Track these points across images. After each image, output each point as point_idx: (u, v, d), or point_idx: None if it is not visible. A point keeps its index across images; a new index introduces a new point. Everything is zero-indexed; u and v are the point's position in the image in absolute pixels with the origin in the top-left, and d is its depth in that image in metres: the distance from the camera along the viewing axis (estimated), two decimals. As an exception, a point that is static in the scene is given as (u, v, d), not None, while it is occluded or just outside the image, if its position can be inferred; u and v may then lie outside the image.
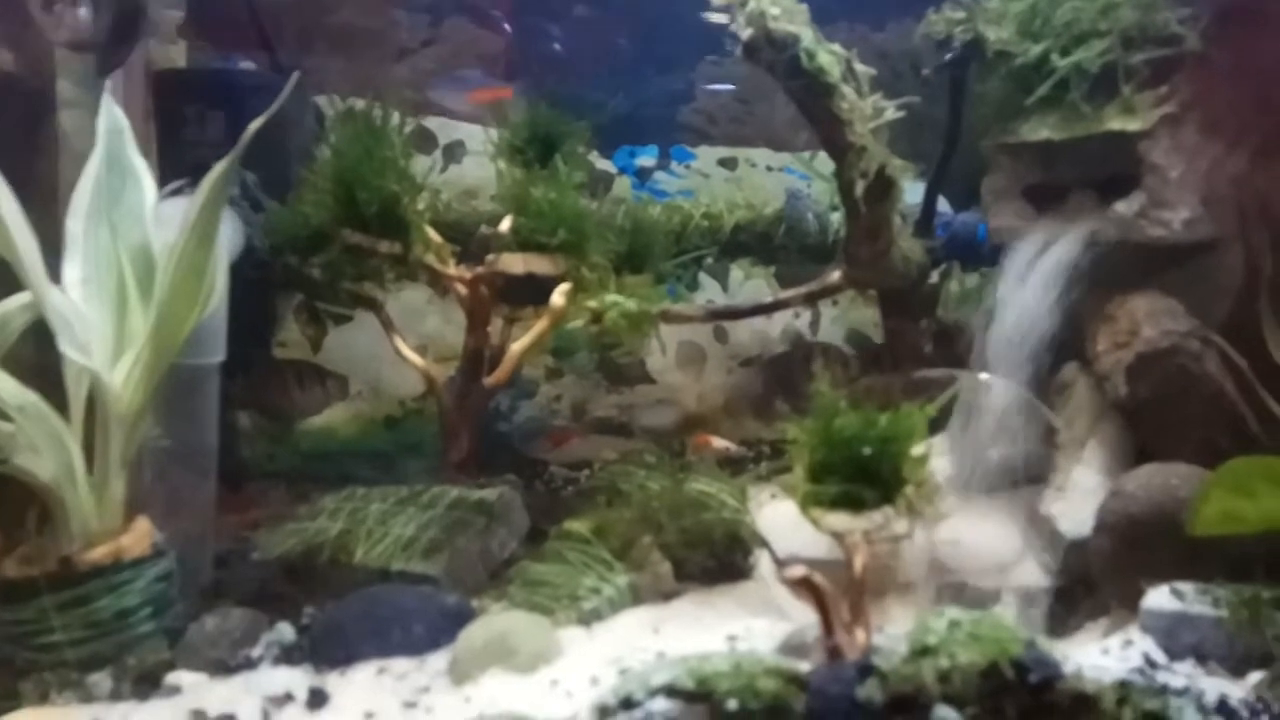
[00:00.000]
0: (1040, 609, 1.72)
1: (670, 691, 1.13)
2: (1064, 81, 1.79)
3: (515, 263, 1.72)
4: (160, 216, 1.57)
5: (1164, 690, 1.15)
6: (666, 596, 1.62)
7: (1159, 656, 1.36)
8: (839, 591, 1.21)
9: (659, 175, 2.56)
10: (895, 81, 1.88)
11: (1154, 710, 1.12)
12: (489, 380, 1.93)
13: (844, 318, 2.51)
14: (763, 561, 1.78)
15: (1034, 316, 1.85)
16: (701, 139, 2.60)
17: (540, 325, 1.90)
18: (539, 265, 1.73)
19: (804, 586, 1.17)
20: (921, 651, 1.13)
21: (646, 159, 2.55)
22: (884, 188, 1.64)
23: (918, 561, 1.85)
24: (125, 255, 1.52)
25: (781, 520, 1.86)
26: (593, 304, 1.76)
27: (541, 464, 2.40)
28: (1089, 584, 1.65)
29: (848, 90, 1.60)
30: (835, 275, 1.91)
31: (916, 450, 1.33)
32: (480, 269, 1.74)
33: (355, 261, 1.76)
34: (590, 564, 1.62)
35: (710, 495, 1.74)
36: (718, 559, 1.68)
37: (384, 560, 1.64)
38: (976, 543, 1.84)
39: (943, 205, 2.32)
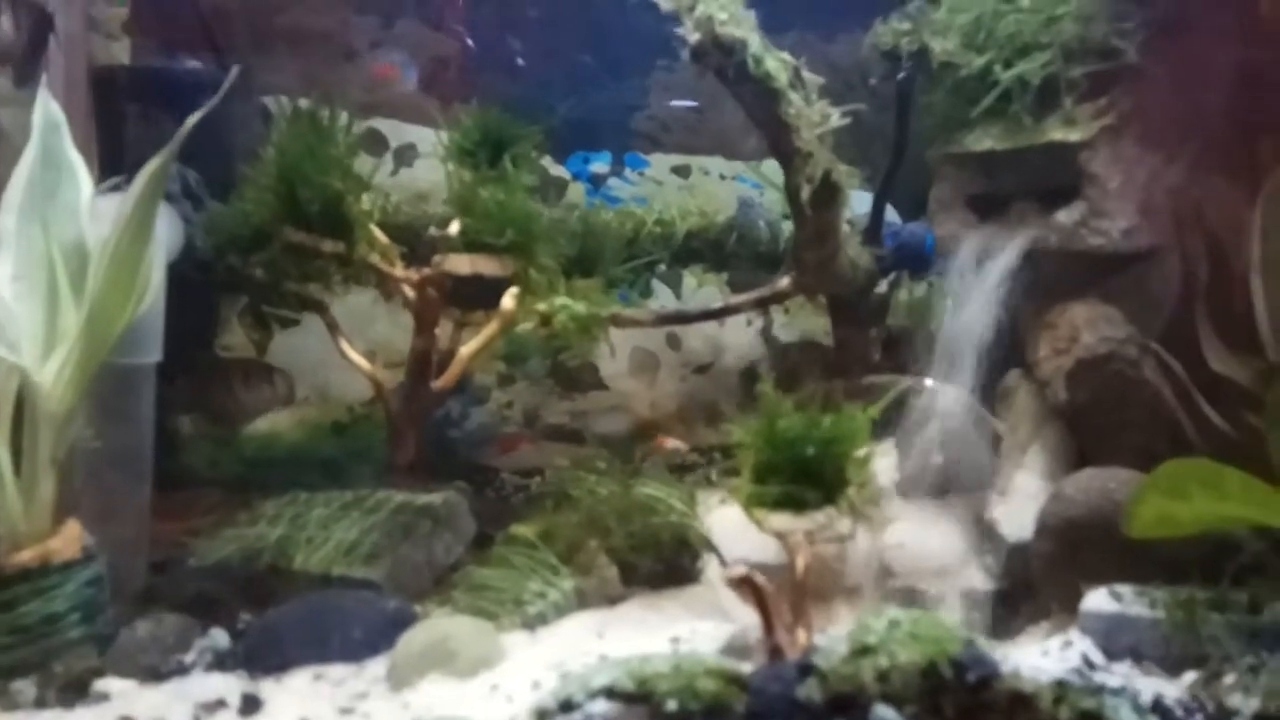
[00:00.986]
0: (983, 612, 1.74)
1: (610, 693, 1.12)
2: (1007, 93, 1.82)
3: (462, 263, 1.71)
4: (96, 212, 1.54)
5: (1100, 690, 1.16)
6: (613, 601, 1.61)
7: (1097, 657, 1.38)
8: (781, 592, 1.21)
9: (612, 182, 2.56)
10: (845, 92, 1.90)
11: (1090, 709, 1.13)
12: (437, 384, 1.91)
13: (793, 325, 2.53)
14: (711, 566, 1.78)
15: (977, 324, 1.87)
16: (655, 146, 2.61)
17: (489, 328, 1.89)
18: (486, 266, 1.71)
19: (745, 586, 1.16)
20: (861, 651, 1.13)
21: (600, 165, 2.55)
22: (830, 193, 1.66)
23: (864, 566, 1.87)
24: (58, 251, 1.48)
25: (730, 525, 1.86)
26: (542, 307, 1.75)
27: (492, 471, 2.38)
28: (1031, 587, 1.67)
29: (795, 96, 1.61)
30: (785, 281, 1.92)
31: (859, 452, 1.34)
32: (427, 270, 1.72)
33: (298, 261, 1.73)
34: (536, 568, 1.61)
35: (658, 500, 1.73)
36: (665, 563, 1.67)
37: (325, 565, 1.61)
38: (921, 547, 1.85)
39: (893, 216, 2.36)
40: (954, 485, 1.89)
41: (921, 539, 1.85)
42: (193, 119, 1.40)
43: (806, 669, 1.12)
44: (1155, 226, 1.79)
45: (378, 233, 1.76)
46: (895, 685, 1.10)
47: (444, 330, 1.96)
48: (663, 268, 2.34)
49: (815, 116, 1.61)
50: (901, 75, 1.93)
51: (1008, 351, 1.88)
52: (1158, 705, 1.21)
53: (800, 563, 1.26)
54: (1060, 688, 1.14)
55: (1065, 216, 1.80)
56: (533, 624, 1.50)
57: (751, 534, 1.64)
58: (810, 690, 1.11)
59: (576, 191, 2.55)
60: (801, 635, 1.21)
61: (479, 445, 2.50)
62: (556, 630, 1.50)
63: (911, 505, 1.89)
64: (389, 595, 1.53)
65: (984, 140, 1.87)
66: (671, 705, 1.09)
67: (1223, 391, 1.72)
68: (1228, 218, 1.78)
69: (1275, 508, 1.37)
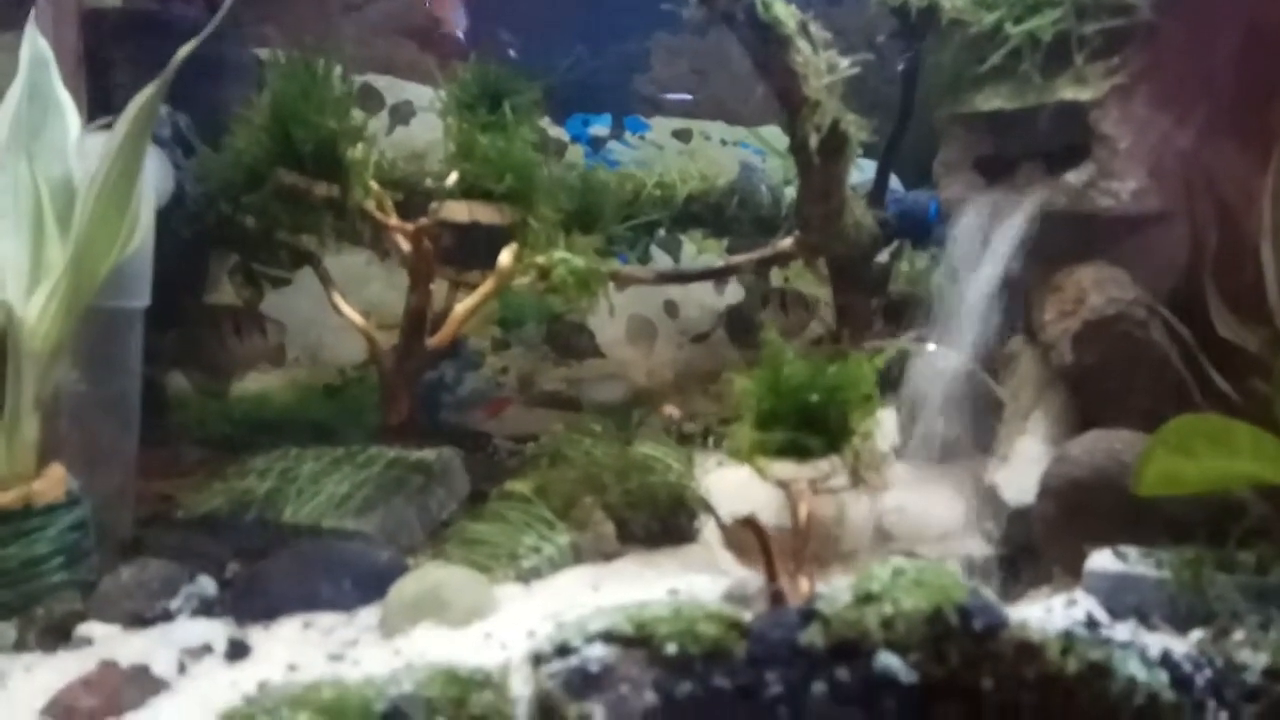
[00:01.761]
0: (984, 578, 1.72)
1: (608, 637, 1.09)
2: (1017, 51, 1.79)
3: (460, 211, 1.67)
4: (84, 150, 1.50)
5: (1108, 641, 1.13)
6: (608, 556, 1.58)
7: (1101, 616, 1.35)
8: (784, 540, 1.18)
9: (612, 145, 2.52)
10: (849, 54, 1.86)
11: (1098, 660, 1.10)
12: (431, 341, 1.87)
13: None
14: (707, 526, 1.75)
15: (981, 288, 1.85)
16: (656, 110, 2.57)
17: (487, 285, 1.85)
18: (485, 214, 1.67)
19: (749, 528, 1.14)
20: (865, 598, 1.10)
21: (600, 128, 2.51)
22: (838, 143, 1.62)
23: (863, 530, 1.84)
24: (44, 187, 1.44)
25: (728, 486, 1.84)
26: (540, 260, 1.71)
27: (485, 436, 2.35)
28: (1033, 552, 1.65)
29: (803, 44, 1.58)
30: (787, 241, 1.89)
31: (864, 399, 1.31)
32: (423, 220, 1.68)
33: (291, 208, 1.69)
34: (531, 523, 1.58)
35: (655, 459, 1.70)
36: (662, 521, 1.64)
37: (315, 517, 1.58)
38: (922, 512, 1.83)
39: (895, 184, 2.32)
40: (955, 450, 1.87)
41: (921, 504, 1.82)
42: (183, 51, 1.36)
43: (809, 615, 1.09)
44: (1165, 189, 1.76)
45: (373, 183, 1.72)
46: (899, 632, 1.08)
47: (439, 289, 1.92)
48: (662, 232, 2.30)
49: (823, 65, 1.57)
50: (907, 55, 1.90)
51: (1012, 316, 1.86)
52: (1166, 659, 1.18)
53: (803, 510, 1.23)
54: (1068, 638, 1.12)
55: (1074, 178, 1.77)
56: (527, 577, 1.47)
57: (749, 495, 1.62)
58: (813, 636, 1.08)
59: (575, 154, 2.51)
60: (804, 583, 1.18)
61: (472, 410, 2.47)
62: (551, 583, 1.47)
63: (912, 470, 1.87)
64: (380, 546, 1.50)
65: (992, 100, 1.84)
66: (671, 648, 1.07)
67: (1230, 358, 1.69)
68: (1239, 182, 1.75)
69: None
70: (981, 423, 1.87)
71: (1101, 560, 1.43)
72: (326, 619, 1.34)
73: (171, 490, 1.79)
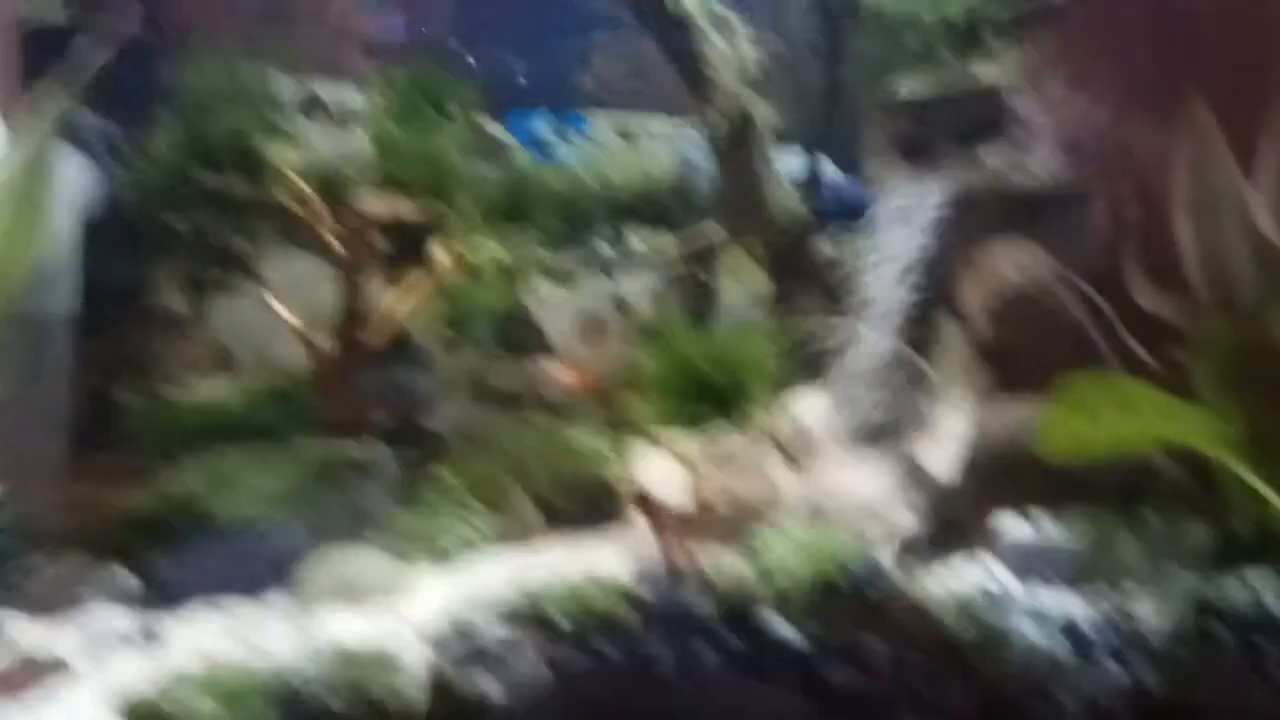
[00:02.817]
0: (911, 551, 1.74)
1: (503, 615, 1.11)
2: (934, 36, 1.82)
3: (377, 204, 1.69)
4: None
5: (1004, 604, 1.15)
6: (531, 539, 1.60)
7: (1008, 581, 1.37)
8: (681, 512, 1.20)
9: (554, 142, 2.54)
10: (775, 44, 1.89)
11: (991, 623, 1.12)
12: (366, 338, 1.89)
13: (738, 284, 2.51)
14: (658, 521, 1.77)
15: (905, 268, 1.87)
16: (597, 106, 2.59)
17: (421, 282, 1.87)
18: (402, 207, 1.69)
19: (640, 503, 1.16)
20: (756, 566, 1.13)
21: (539, 124, 2.53)
22: (746, 130, 1.64)
23: (795, 509, 1.87)
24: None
25: (657, 470, 1.86)
26: (465, 252, 1.73)
27: (436, 435, 2.36)
28: (956, 523, 1.67)
29: (714, 35, 1.60)
30: (716, 228, 1.91)
31: (763, 371, 1.33)
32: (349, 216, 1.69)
33: (213, 209, 1.71)
34: (453, 509, 1.60)
35: (584, 444, 1.72)
36: (588, 504, 1.66)
37: (240, 511, 1.59)
38: (851, 489, 1.85)
39: (833, 170, 2.34)
40: (886, 428, 1.89)
41: (850, 481, 1.84)
42: (95, 63, 1.38)
43: (699, 582, 1.11)
44: (1082, 167, 1.79)
45: (300, 182, 1.74)
46: (790, 597, 1.10)
47: (375, 286, 1.94)
48: (605, 227, 2.32)
49: (732, 54, 1.60)
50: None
51: (938, 295, 1.88)
52: (1066, 624, 1.20)
53: (697, 479, 1.25)
54: (962, 602, 1.14)
55: (990, 158, 1.80)
56: (443, 559, 1.48)
57: (678, 478, 1.64)
58: (703, 603, 1.10)
59: (517, 152, 2.53)
60: (701, 552, 1.20)
61: (424, 410, 2.48)
62: (469, 566, 1.49)
63: (842, 448, 1.89)
64: (300, 536, 1.51)
65: (912, 84, 1.87)
66: (564, 623, 1.09)
67: (1151, 329, 1.72)
68: (1157, 156, 1.78)
69: (1186, 421, 1.37)
70: (911, 400, 1.89)
71: (1010, 526, 1.45)
72: (239, 606, 1.36)
73: (107, 493, 1.80)
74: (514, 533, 1.59)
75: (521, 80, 2.39)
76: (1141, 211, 1.78)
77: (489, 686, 1.05)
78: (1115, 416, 1.32)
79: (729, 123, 1.59)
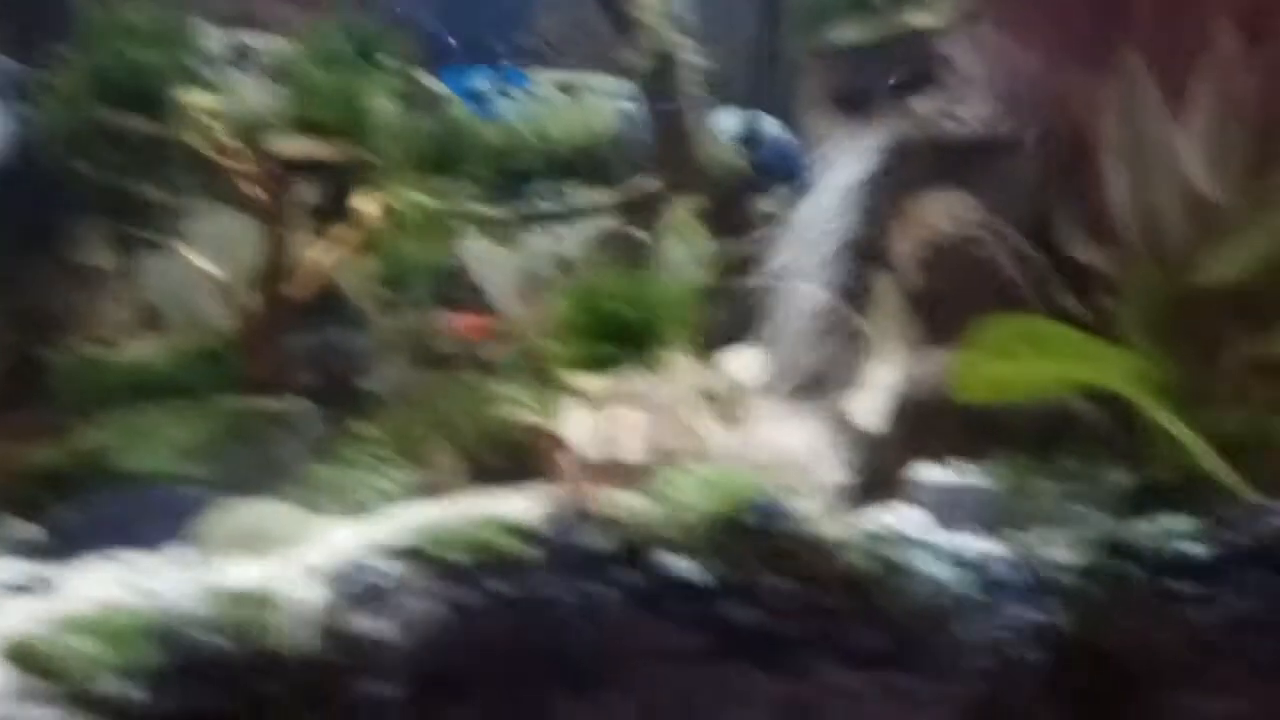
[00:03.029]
0: (842, 505, 1.73)
1: (402, 554, 1.08)
2: (866, -18, 1.79)
3: (291, 146, 1.64)
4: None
5: (908, 540, 1.14)
6: (453, 494, 1.57)
7: (927, 525, 1.36)
8: (583, 451, 1.17)
9: (494, 97, 2.49)
10: None
11: (893, 559, 1.11)
12: (290, 291, 1.84)
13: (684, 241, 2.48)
14: (565, 461, 1.75)
15: (840, 221, 1.85)
16: (539, 62, 2.55)
17: (346, 232, 1.83)
18: (317, 150, 1.65)
19: (544, 443, 1.13)
20: (658, 503, 1.10)
21: (479, 80, 2.48)
22: (670, 70, 1.61)
23: (728, 464, 1.85)
24: None
25: (587, 425, 1.83)
26: (388, 200, 1.68)
27: (371, 394, 2.32)
28: (884, 474, 1.66)
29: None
30: (651, 182, 1.88)
31: (679, 317, 1.30)
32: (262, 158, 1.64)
33: (128, 156, 1.65)
34: (374, 463, 1.56)
35: (509, 398, 1.69)
36: (514, 459, 1.63)
37: (152, 465, 1.55)
38: (784, 444, 1.83)
39: (775, 124, 2.31)
40: (819, 382, 1.87)
41: (784, 437, 1.83)
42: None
43: (600, 520, 1.09)
44: (1016, 115, 1.77)
45: (216, 126, 1.68)
46: (690, 534, 1.08)
47: (301, 239, 1.89)
48: (543, 182, 2.27)
49: (657, -5, 1.56)
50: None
51: (871, 248, 1.86)
52: (976, 564, 1.19)
53: (604, 420, 1.22)
54: (866, 538, 1.12)
55: (924, 106, 1.77)
56: (360, 513, 1.45)
57: (609, 432, 1.62)
58: (602, 540, 1.07)
59: (457, 107, 2.48)
60: (606, 492, 1.18)
61: (358, 369, 2.44)
62: (385, 519, 1.45)
63: (776, 403, 1.87)
64: (210, 490, 1.47)
65: (846, 33, 1.84)
66: (459, 560, 1.06)
67: (1084, 279, 1.71)
68: (1090, 106, 1.76)
69: (1107, 365, 1.36)
70: (844, 353, 1.87)
71: (931, 474, 1.44)
72: (141, 558, 1.32)
73: (18, 450, 1.75)
74: (435, 487, 1.56)
75: (450, 39, 2.34)
76: (1073, 160, 1.77)
77: (380, 625, 1.02)
78: (1033, 359, 1.30)
79: (651, 63, 1.54)
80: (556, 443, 1.12)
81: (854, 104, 1.91)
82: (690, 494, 1.09)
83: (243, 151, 1.65)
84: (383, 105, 1.69)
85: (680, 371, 1.71)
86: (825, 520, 1.13)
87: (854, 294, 1.89)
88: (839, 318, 1.86)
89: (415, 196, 1.66)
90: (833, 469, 1.75)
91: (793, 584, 1.07)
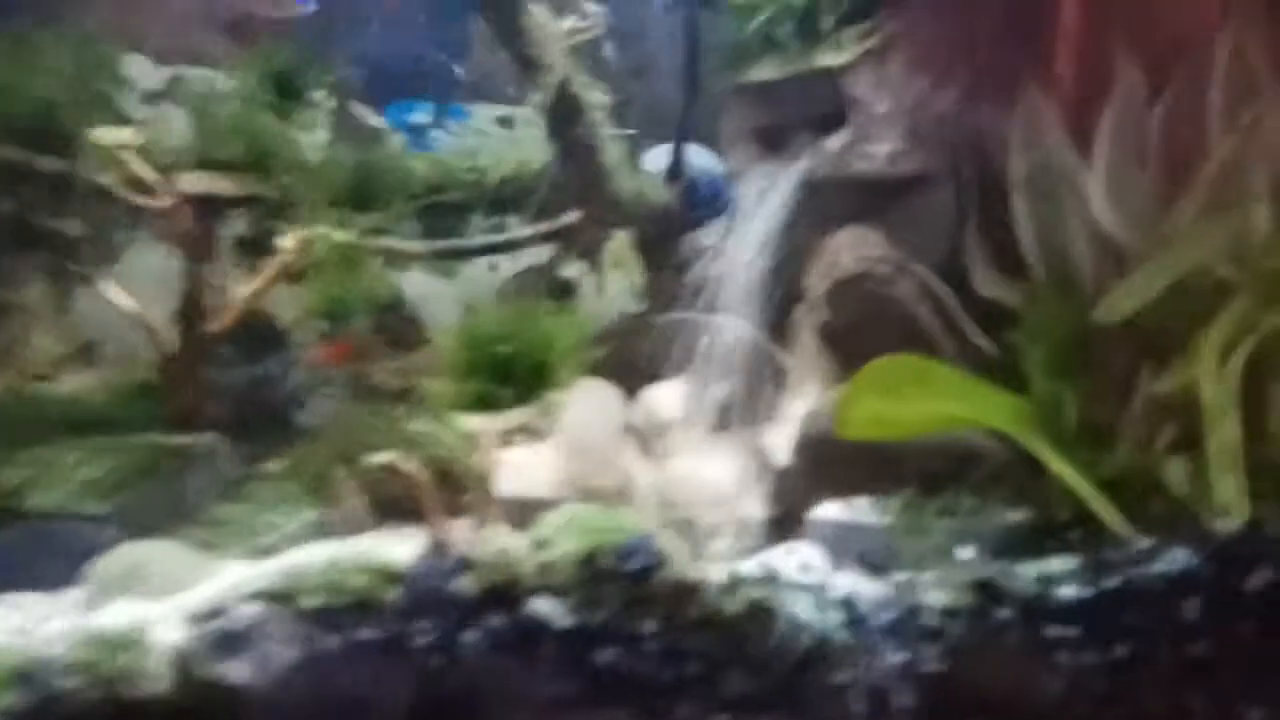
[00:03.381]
0: (756, 539, 1.73)
1: (258, 596, 1.08)
2: (780, 22, 1.81)
3: (195, 181, 1.65)
4: None
5: (775, 580, 1.14)
6: (361, 531, 1.56)
7: (819, 563, 1.35)
8: (451, 488, 1.18)
9: (435, 133, 2.51)
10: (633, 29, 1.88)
11: (760, 599, 1.11)
12: (211, 327, 1.85)
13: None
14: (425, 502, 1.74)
15: (761, 257, 1.86)
16: (479, 97, 2.57)
17: (269, 268, 1.83)
18: (220, 185, 1.65)
19: (391, 474, 1.13)
20: (527, 543, 1.10)
21: (420, 115, 2.50)
22: (570, 107, 1.63)
23: (647, 498, 1.85)
24: None
25: (507, 461, 1.83)
26: (300, 235, 1.69)
27: (295, 429, 2.32)
28: (793, 509, 1.66)
29: (534, 7, 1.58)
30: (573, 215, 1.89)
31: (571, 353, 1.31)
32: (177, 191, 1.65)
33: (38, 192, 1.66)
34: (278, 501, 1.56)
35: (425, 434, 1.69)
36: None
37: (55, 503, 1.55)
38: (703, 479, 1.84)
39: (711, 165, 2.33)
40: (741, 416, 1.88)
41: (703, 471, 1.83)
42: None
43: (464, 562, 1.09)
44: (925, 152, 1.79)
45: (131, 160, 1.68)
46: (556, 576, 1.07)
47: (220, 274, 1.89)
48: (479, 215, 2.28)
49: (559, 29, 1.58)
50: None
51: (790, 284, 1.87)
52: (847, 601, 1.19)
53: (486, 460, 1.22)
54: (732, 579, 1.12)
55: (833, 143, 1.79)
56: (263, 554, 1.44)
57: (527, 469, 1.62)
58: (465, 583, 1.07)
59: (397, 142, 2.49)
60: (482, 533, 1.18)
61: (298, 405, 2.43)
62: (285, 559, 1.45)
63: (698, 437, 1.87)
64: (111, 529, 1.47)
65: (762, 70, 1.86)
66: (315, 602, 1.06)
67: (994, 315, 1.72)
68: (998, 142, 1.78)
69: (990, 406, 1.36)
70: (767, 388, 1.88)
71: (827, 510, 1.44)
72: (31, 599, 1.31)
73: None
74: (344, 525, 1.56)
75: (404, 70, 2.36)
76: (984, 197, 1.79)
77: (234, 667, 1.01)
78: (916, 398, 1.31)
79: (554, 99, 1.56)
80: (416, 483, 1.12)
81: (772, 141, 1.93)
82: (560, 535, 1.09)
83: (157, 186, 1.65)
84: (297, 139, 1.70)
85: (598, 406, 1.72)
86: (695, 562, 1.13)
87: (776, 328, 1.91)
88: (760, 352, 1.87)
89: (327, 231, 1.66)
90: (751, 504, 1.76)
91: (659, 627, 1.07)
